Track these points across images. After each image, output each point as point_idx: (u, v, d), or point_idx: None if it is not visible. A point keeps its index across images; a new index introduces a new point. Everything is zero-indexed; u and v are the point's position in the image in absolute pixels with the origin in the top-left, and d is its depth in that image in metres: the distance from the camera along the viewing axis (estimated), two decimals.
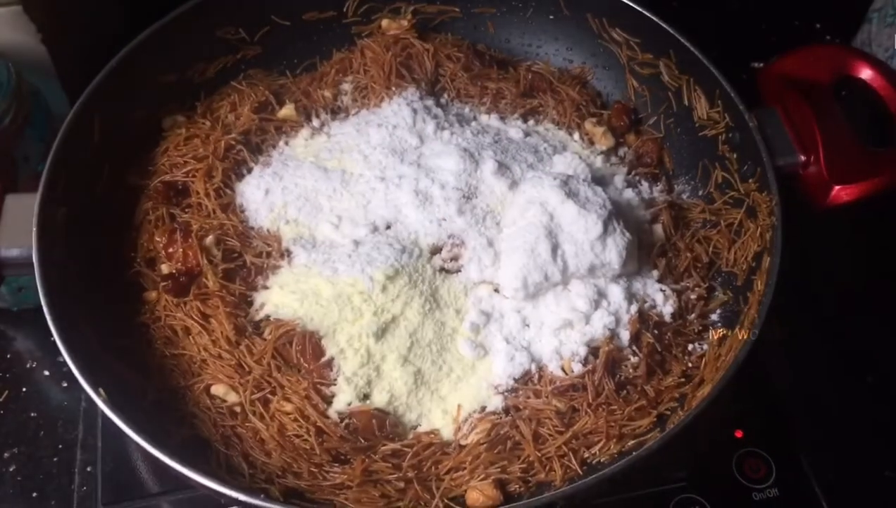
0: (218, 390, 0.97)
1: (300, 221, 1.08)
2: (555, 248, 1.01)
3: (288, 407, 0.95)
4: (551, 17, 1.30)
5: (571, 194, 1.02)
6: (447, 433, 0.97)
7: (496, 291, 1.03)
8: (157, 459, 0.84)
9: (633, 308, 1.03)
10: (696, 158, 1.20)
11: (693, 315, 1.07)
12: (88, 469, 1.09)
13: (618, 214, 1.04)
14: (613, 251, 1.02)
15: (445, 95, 1.24)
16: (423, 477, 0.94)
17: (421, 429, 0.98)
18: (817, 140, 1.10)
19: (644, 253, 1.09)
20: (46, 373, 1.18)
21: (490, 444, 0.95)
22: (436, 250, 1.05)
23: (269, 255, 1.06)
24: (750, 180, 1.09)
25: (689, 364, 1.03)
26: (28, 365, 1.19)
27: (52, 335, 0.90)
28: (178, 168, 1.12)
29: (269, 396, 0.96)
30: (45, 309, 0.91)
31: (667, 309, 1.05)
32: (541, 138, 1.19)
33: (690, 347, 1.05)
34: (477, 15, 1.31)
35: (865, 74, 1.17)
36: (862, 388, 1.21)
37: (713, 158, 1.17)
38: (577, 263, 1.01)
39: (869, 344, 1.25)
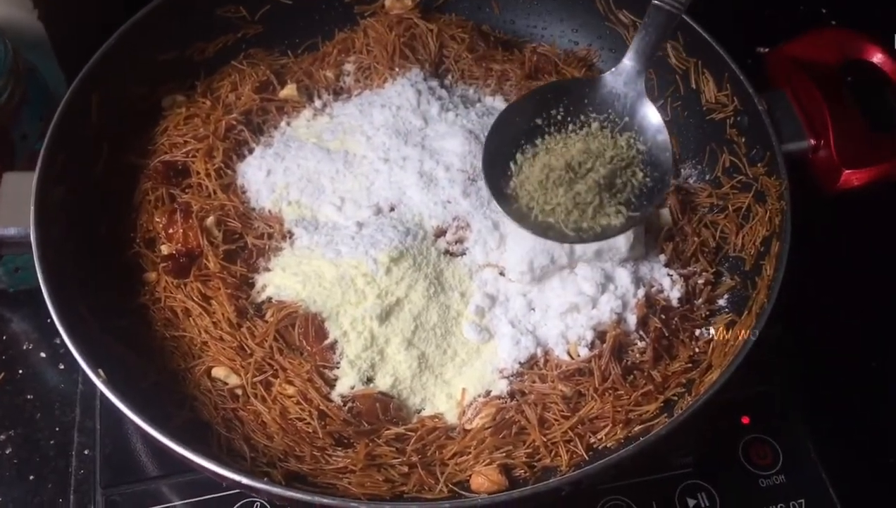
0: (219, 372, 0.96)
1: (302, 202, 1.07)
2: None
3: (290, 390, 0.94)
4: None
5: None
6: (452, 417, 0.96)
7: (501, 274, 1.02)
8: (157, 441, 0.83)
9: (641, 292, 1.02)
10: (703, 142, 1.18)
11: (700, 300, 1.05)
12: (86, 451, 1.07)
13: None
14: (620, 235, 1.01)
15: (450, 77, 1.22)
16: (427, 462, 0.93)
17: (425, 413, 0.97)
18: (827, 124, 1.09)
19: (651, 237, 1.08)
20: (43, 355, 1.17)
21: (495, 429, 0.94)
22: (440, 233, 1.04)
23: (270, 236, 1.05)
24: (758, 164, 1.08)
25: (697, 349, 1.02)
26: (24, 347, 1.18)
27: (49, 317, 0.89)
28: (178, 148, 1.10)
29: (271, 379, 0.95)
30: (43, 288, 0.90)
31: (674, 294, 1.04)
32: None
33: (698, 332, 1.03)
34: None
35: (876, 57, 1.16)
36: (868, 374, 1.20)
37: (721, 142, 1.15)
38: (584, 246, 1.00)
39: (875, 330, 1.24)
